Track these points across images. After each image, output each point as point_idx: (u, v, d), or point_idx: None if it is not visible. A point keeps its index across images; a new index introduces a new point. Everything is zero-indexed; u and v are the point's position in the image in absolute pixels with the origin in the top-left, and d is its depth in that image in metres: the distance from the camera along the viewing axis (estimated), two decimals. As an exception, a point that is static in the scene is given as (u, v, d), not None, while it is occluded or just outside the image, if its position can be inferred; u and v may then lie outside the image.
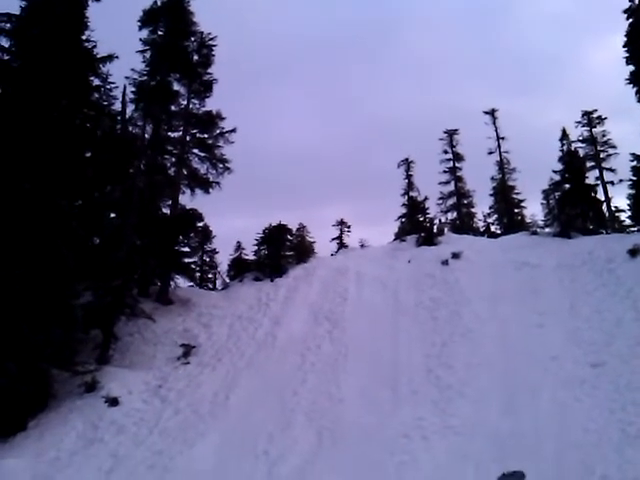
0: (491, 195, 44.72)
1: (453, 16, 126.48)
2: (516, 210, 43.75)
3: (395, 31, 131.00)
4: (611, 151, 34.60)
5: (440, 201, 43.99)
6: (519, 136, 67.96)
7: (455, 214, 44.01)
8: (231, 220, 61.21)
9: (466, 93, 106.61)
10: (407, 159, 41.15)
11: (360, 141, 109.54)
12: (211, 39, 28.57)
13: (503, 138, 43.14)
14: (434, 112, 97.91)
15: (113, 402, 16.37)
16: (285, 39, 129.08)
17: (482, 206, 46.18)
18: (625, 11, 28.51)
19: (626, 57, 28.33)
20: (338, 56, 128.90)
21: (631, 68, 28.19)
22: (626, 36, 28.39)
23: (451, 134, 44.18)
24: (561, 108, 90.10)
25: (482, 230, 43.34)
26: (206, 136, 28.34)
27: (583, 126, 35.72)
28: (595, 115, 35.60)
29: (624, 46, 28.41)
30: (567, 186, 31.54)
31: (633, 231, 28.44)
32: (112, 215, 23.98)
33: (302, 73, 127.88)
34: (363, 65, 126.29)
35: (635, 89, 27.98)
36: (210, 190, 28.02)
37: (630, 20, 28.37)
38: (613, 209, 33.67)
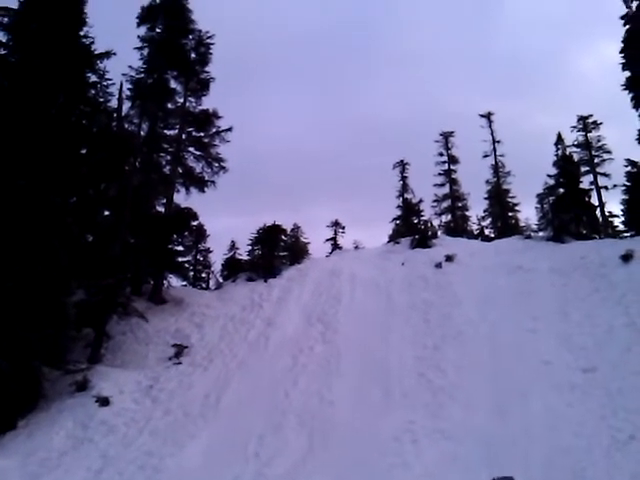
0: (485, 198, 44.80)
1: (445, 18, 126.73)
2: (510, 214, 43.86)
3: (387, 32, 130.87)
4: (606, 156, 34.68)
5: (435, 203, 44.15)
6: (510, 139, 68.20)
7: (449, 217, 44.09)
8: (226, 219, 61.14)
9: (458, 95, 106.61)
10: (402, 161, 41.42)
11: (354, 142, 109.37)
12: (209, 37, 28.57)
13: (499, 141, 43.30)
14: (427, 114, 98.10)
15: (104, 402, 16.32)
16: (278, 38, 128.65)
17: (476, 209, 46.28)
18: (622, 17, 28.63)
19: (622, 63, 28.43)
20: (331, 57, 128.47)
21: (627, 74, 28.27)
22: (623, 42, 28.50)
23: (446, 136, 44.27)
24: (550, 112, 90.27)
25: (476, 233, 43.44)
26: (202, 134, 28.32)
27: (578, 131, 35.84)
28: (590, 120, 35.72)
29: (620, 52, 28.55)
30: (561, 190, 31.65)
31: (626, 236, 28.53)
32: (106, 213, 23.93)
33: (295, 73, 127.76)
34: (356, 66, 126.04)
35: (631, 95, 28.06)
36: (205, 189, 28.06)
37: (627, 26, 28.47)
38: (607, 214, 33.73)
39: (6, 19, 19.69)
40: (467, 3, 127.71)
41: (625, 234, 30.46)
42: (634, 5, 28.36)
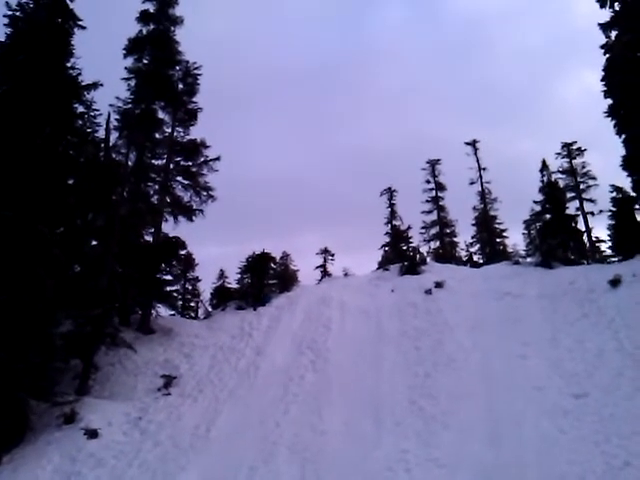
0: (473, 225, 45.14)
1: (432, 49, 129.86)
2: (498, 240, 44.17)
3: (376, 64, 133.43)
4: (591, 182, 35.14)
5: (423, 230, 44.37)
6: (496, 166, 69.26)
7: (438, 243, 44.26)
8: (215, 248, 61.07)
9: (445, 124, 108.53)
10: (390, 188, 41.72)
11: (343, 171, 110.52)
12: (196, 68, 28.72)
13: (484, 169, 43.79)
14: (414, 143, 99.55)
15: (92, 434, 15.98)
16: (268, 72, 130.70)
17: (464, 235, 46.54)
18: (602, 46, 29.24)
19: (604, 91, 28.97)
20: (319, 87, 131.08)
21: (609, 101, 28.80)
22: (603, 70, 29.10)
23: (433, 164, 44.68)
24: (535, 140, 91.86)
25: (465, 259, 43.57)
26: (190, 164, 28.30)
27: (563, 157, 36.32)
28: (575, 147, 36.22)
29: (602, 80, 29.07)
30: (548, 216, 31.97)
31: (613, 261, 28.70)
32: (94, 243, 23.79)
33: (285, 105, 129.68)
34: (344, 95, 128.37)
35: (614, 122, 28.54)
36: (193, 218, 27.95)
37: (607, 55, 29.09)
38: (593, 239, 34.02)
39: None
40: (452, 34, 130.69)
41: (612, 259, 30.65)
42: (613, 35, 29.04)
